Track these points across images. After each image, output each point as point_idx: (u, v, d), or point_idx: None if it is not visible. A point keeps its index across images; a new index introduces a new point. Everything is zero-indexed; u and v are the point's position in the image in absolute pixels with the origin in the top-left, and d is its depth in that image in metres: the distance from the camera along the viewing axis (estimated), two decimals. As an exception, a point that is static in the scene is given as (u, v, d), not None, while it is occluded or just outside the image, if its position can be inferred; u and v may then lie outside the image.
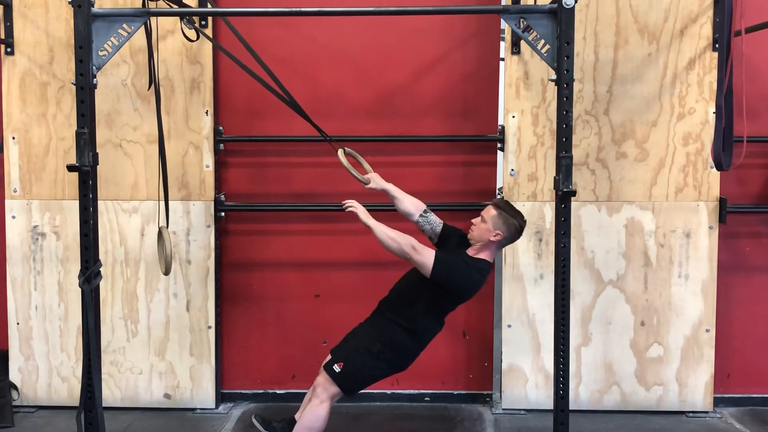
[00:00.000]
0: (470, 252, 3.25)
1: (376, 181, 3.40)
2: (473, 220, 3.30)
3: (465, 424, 3.92)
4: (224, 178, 4.14)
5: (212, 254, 4.03)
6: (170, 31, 3.87)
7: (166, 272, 3.48)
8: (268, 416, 3.49)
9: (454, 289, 3.19)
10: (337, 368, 3.19)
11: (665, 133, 3.91)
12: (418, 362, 4.17)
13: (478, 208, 4.04)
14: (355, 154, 3.48)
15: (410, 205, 3.38)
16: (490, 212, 3.24)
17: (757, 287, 4.12)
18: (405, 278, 3.35)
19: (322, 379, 3.23)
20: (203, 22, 3.91)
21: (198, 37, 3.42)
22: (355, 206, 3.22)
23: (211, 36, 3.92)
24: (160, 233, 3.50)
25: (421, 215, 3.37)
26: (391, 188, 3.39)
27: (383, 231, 3.14)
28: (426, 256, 3.10)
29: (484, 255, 3.23)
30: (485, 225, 3.22)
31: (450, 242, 3.35)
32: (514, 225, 3.23)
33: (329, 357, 3.30)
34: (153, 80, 3.38)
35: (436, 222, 3.39)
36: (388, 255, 4.09)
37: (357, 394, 4.11)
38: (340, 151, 3.42)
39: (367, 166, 3.47)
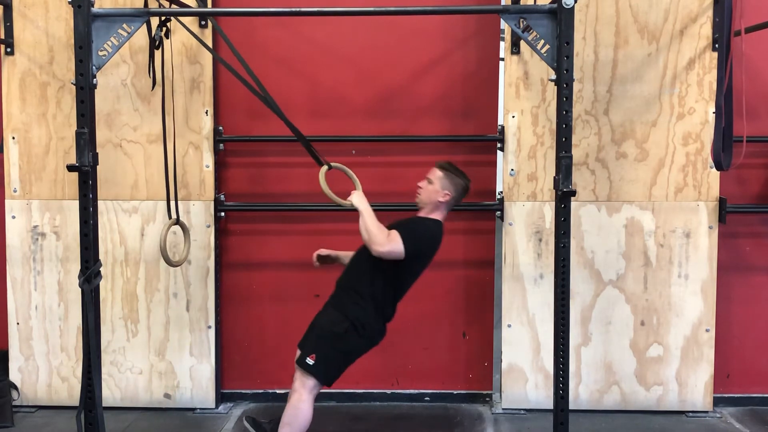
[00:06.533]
0: (421, 215, 3.34)
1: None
2: (419, 183, 3.36)
3: (465, 424, 3.92)
4: (224, 178, 4.14)
5: (212, 254, 4.03)
6: (170, 31, 3.86)
7: (179, 264, 3.55)
8: (259, 417, 3.52)
9: (421, 252, 3.22)
10: (310, 361, 3.19)
11: (665, 133, 3.91)
12: (418, 362, 4.19)
13: (478, 208, 4.07)
14: (342, 167, 3.45)
15: None
16: (436, 173, 3.32)
17: (757, 287, 4.12)
18: (359, 254, 3.36)
19: (299, 374, 3.24)
20: (203, 23, 3.91)
21: (158, 46, 3.41)
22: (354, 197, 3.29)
23: (209, 39, 3.92)
24: (172, 226, 3.54)
25: None
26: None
27: (365, 221, 3.19)
28: (394, 245, 3.13)
29: (434, 216, 3.31)
30: (432, 186, 3.31)
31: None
32: (460, 184, 3.33)
33: (299, 352, 3.30)
34: (165, 75, 3.39)
35: None
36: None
37: (349, 395, 4.13)
38: (321, 172, 3.37)
39: (355, 180, 3.45)
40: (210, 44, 3.91)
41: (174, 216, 3.55)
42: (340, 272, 3.51)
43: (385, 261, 3.19)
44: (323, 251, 3.56)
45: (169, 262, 3.46)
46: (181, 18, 3.62)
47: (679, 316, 3.97)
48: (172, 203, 3.55)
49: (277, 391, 4.21)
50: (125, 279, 4.04)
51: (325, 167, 3.41)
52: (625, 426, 3.88)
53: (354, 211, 4.05)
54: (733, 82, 3.25)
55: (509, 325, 4.00)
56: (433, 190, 3.30)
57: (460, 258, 4.15)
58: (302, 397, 3.20)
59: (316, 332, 3.28)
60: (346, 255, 3.49)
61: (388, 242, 3.14)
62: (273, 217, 4.16)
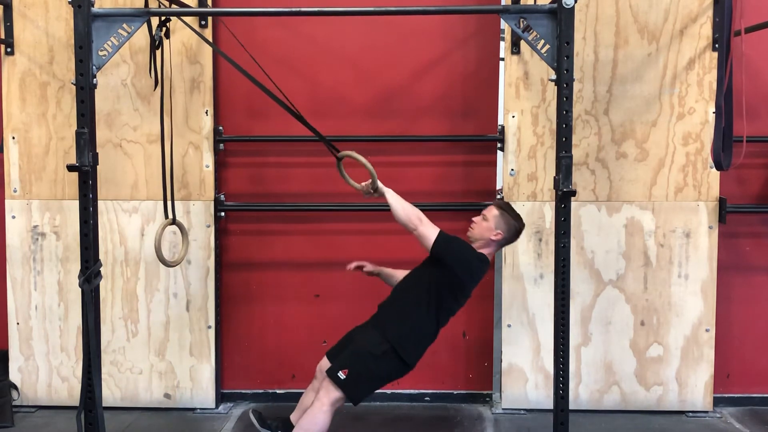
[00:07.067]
0: None
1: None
2: (474, 219, 3.36)
3: (465, 424, 3.93)
4: (224, 178, 4.14)
5: (212, 254, 4.03)
6: (170, 31, 3.86)
7: (175, 264, 3.55)
8: (266, 414, 3.48)
9: (454, 271, 3.17)
10: (341, 375, 3.14)
11: (665, 133, 3.92)
12: (418, 362, 4.19)
13: (478, 208, 4.04)
14: (356, 155, 3.34)
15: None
16: (492, 212, 3.32)
17: (757, 287, 4.12)
18: (404, 281, 3.36)
19: (327, 384, 3.17)
20: (203, 22, 3.91)
21: (158, 46, 3.41)
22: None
23: (209, 39, 3.92)
24: (170, 226, 3.54)
25: None
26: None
27: (395, 199, 3.19)
28: (429, 230, 3.14)
29: (483, 251, 3.29)
30: (487, 224, 3.30)
31: None
32: (514, 226, 3.33)
33: (330, 363, 3.26)
34: (159, 78, 3.39)
35: None
36: (387, 255, 4.11)
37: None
38: (344, 155, 3.34)
39: (369, 167, 3.30)
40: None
41: (170, 216, 3.54)
42: (343, 272, 3.52)
43: (429, 288, 3.19)
44: (368, 267, 3.53)
45: (165, 262, 3.46)
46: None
47: (679, 316, 3.97)
48: (169, 203, 3.54)
49: (277, 391, 4.21)
50: (125, 279, 4.04)
51: (343, 153, 3.37)
52: (625, 426, 3.88)
53: (356, 211, 4.09)
54: (733, 82, 3.25)
55: (509, 325, 4.00)
56: (487, 227, 3.29)
57: (460, 258, 4.14)
58: (324, 408, 3.14)
59: (353, 348, 3.24)
60: (389, 274, 3.49)
61: (429, 224, 3.14)
62: (273, 217, 4.16)
